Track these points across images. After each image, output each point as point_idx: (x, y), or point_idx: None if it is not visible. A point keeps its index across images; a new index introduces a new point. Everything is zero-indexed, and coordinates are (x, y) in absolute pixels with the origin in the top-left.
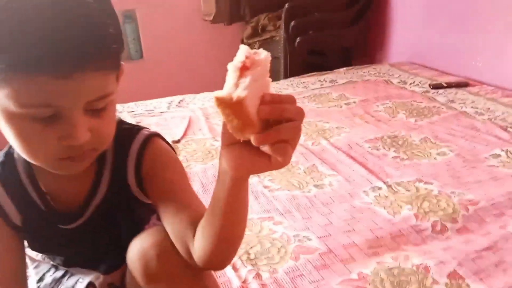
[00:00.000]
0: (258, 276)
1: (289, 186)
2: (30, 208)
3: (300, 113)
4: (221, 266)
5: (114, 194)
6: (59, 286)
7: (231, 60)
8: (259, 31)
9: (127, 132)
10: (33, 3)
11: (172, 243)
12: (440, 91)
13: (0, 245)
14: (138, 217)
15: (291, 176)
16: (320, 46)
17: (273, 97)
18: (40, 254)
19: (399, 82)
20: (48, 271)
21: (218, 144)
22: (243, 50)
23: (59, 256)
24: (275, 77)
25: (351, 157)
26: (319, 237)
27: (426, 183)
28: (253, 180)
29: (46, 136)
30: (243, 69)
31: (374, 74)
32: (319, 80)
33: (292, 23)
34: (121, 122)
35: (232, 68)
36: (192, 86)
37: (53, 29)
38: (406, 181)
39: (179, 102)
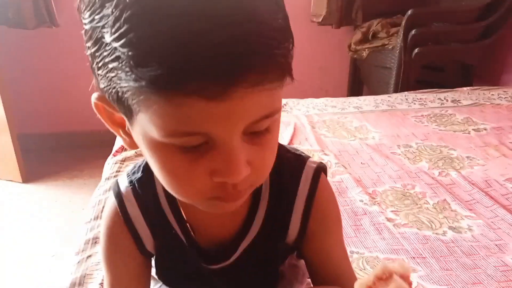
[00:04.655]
0: None
1: (418, 224)
2: (168, 236)
3: None
4: None
5: (265, 235)
6: None
7: (335, 65)
8: (370, 37)
9: (290, 163)
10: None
11: None
12: None
13: (128, 274)
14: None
15: (418, 210)
16: (440, 60)
17: None
18: (161, 283)
19: None
20: None
21: (328, 158)
22: (375, 272)
23: None
24: (384, 88)
25: (491, 198)
26: None
27: None
28: (373, 208)
29: (195, 170)
30: None
31: (505, 98)
32: (438, 98)
33: (413, 32)
34: (279, 147)
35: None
36: (293, 90)
37: (199, 36)
38: None
39: (283, 106)
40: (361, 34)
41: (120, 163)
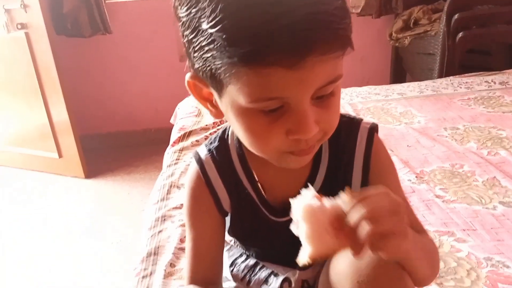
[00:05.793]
0: None
1: (468, 199)
2: (241, 195)
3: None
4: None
5: (327, 191)
6: (252, 275)
7: (376, 55)
8: (411, 24)
9: (346, 126)
10: None
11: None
12: None
13: (208, 229)
14: None
15: (467, 187)
16: (486, 43)
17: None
18: (233, 239)
19: None
20: (240, 256)
21: None
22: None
23: (256, 247)
24: (428, 75)
25: None
26: None
27: None
28: (421, 187)
29: (274, 130)
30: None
31: None
32: (485, 81)
33: (455, 16)
34: None
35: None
36: None
37: (278, 18)
38: None
39: None
40: (402, 22)
41: (179, 152)
